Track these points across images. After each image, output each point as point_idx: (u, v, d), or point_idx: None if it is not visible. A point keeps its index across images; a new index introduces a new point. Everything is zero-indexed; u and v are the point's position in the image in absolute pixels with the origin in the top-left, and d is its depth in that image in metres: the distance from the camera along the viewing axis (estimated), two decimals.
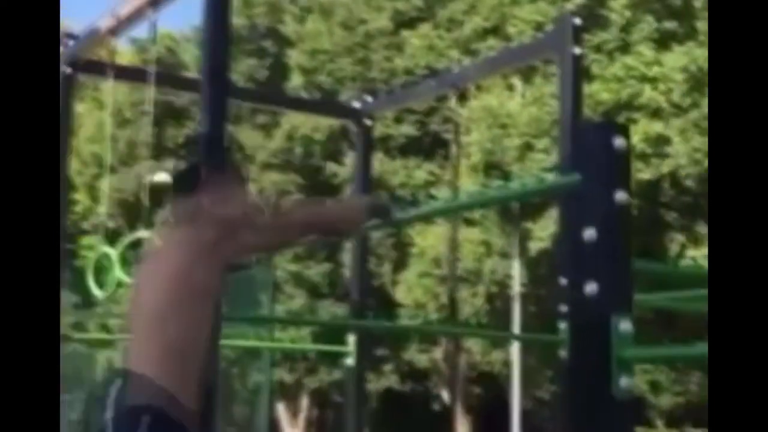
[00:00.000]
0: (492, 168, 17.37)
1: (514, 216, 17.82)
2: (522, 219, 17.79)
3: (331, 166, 21.87)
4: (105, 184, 19.05)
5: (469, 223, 18.22)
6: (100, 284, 6.53)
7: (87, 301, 18.26)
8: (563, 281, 5.58)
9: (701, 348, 2.13)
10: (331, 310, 21.01)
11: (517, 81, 18.34)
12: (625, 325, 2.47)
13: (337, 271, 21.12)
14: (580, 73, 5.77)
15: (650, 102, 15.39)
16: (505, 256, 18.54)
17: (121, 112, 22.35)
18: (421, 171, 20.61)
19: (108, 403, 2.78)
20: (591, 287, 2.49)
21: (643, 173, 14.49)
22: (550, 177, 5.37)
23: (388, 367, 21.58)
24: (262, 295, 17.36)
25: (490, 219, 18.42)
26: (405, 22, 21.50)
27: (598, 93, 15.17)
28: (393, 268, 20.39)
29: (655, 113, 15.23)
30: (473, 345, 19.97)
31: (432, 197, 18.49)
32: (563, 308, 5.51)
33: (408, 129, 20.84)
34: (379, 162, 18.79)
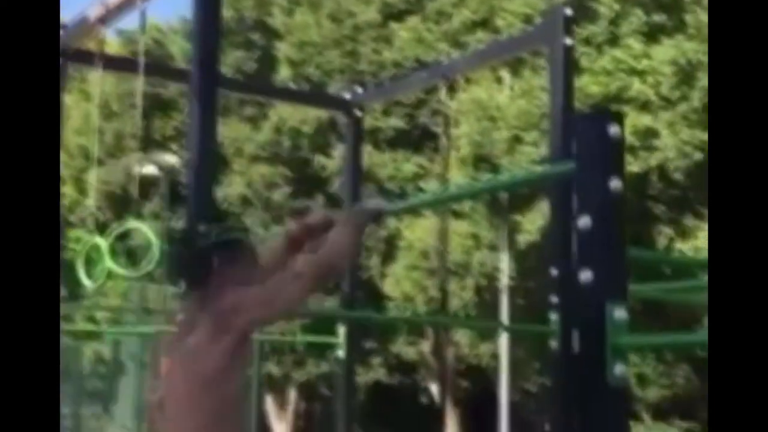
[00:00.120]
0: (481, 161, 17.37)
1: (503, 208, 17.83)
2: (511, 212, 17.80)
3: (319, 159, 21.82)
4: (93, 177, 19.00)
5: (458, 215, 18.22)
6: (89, 275, 6.50)
7: (73, 294, 18.21)
8: (554, 272, 5.61)
9: (695, 335, 2.14)
10: (320, 302, 20.99)
11: (505, 74, 18.33)
12: (620, 313, 2.47)
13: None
14: (571, 64, 5.78)
15: (639, 95, 15.40)
16: (493, 248, 18.55)
17: (107, 104, 22.25)
18: (409, 164, 20.59)
19: None
20: (586, 275, 2.48)
21: (631, 166, 14.50)
22: (545, 167, 5.36)
23: (376, 360, 21.58)
24: None
25: (478, 212, 18.42)
26: (393, 14, 21.45)
27: (587, 86, 15.17)
28: (381, 261, 20.39)
29: (644, 106, 15.25)
30: (461, 337, 19.99)
31: (421, 190, 18.48)
32: (554, 299, 5.56)
33: (396, 122, 20.82)
34: (367, 155, 18.76)
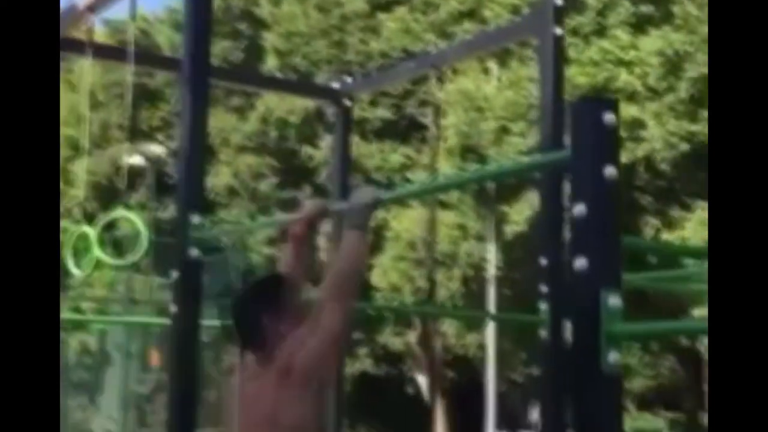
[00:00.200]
0: (468, 151, 17.38)
1: (490, 199, 17.86)
2: (498, 202, 17.83)
3: (306, 150, 21.79)
4: (82, 167, 18.92)
5: (445, 206, 18.24)
6: (77, 265, 6.48)
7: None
8: (543, 261, 5.61)
9: (691, 323, 2.15)
10: (306, 293, 20.95)
11: (493, 65, 18.34)
12: (615, 301, 2.47)
13: (312, 254, 21.07)
14: (561, 54, 5.78)
15: (626, 86, 15.42)
16: (480, 239, 18.58)
17: (93, 94, 22.15)
18: (396, 154, 20.58)
19: None
20: (581, 263, 2.48)
21: None
22: (540, 155, 5.34)
23: (362, 351, 21.59)
24: (236, 278, 17.32)
25: (466, 203, 18.44)
26: (381, 4, 21.42)
27: (575, 77, 15.18)
28: (368, 252, 20.36)
29: (631, 97, 15.27)
30: (448, 328, 20.02)
31: (408, 181, 18.47)
32: (544, 288, 5.56)
33: (383, 112, 20.80)
34: (354, 145, 18.69)
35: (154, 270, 16.83)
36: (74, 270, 6.39)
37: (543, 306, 5.54)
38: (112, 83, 23.28)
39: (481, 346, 19.61)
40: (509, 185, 17.00)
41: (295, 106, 21.18)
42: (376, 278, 19.61)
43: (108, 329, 16.61)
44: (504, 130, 17.02)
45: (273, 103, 21.55)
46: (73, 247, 6.47)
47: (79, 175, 20.48)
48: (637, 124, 15.22)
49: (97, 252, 6.13)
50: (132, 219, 6.63)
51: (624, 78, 15.63)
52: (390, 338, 21.30)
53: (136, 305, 17.12)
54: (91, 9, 5.92)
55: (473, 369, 21.88)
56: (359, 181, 17.76)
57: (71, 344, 18.84)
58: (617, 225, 2.55)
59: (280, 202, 21.49)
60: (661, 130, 15.34)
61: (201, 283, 4.60)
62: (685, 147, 15.32)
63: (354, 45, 21.19)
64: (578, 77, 15.23)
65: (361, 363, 21.68)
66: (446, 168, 16.84)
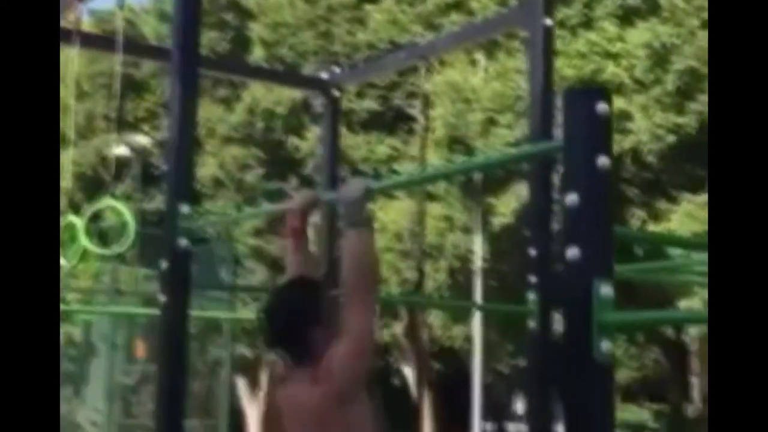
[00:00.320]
0: (455, 143, 17.38)
1: (477, 191, 17.87)
2: (484, 194, 17.84)
3: (293, 141, 21.75)
4: (67, 158, 18.83)
5: (432, 198, 18.24)
6: (64, 255, 6.45)
7: None
8: (533, 252, 5.62)
9: (684, 312, 2.15)
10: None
11: (480, 56, 18.34)
12: (607, 290, 2.47)
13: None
14: (550, 45, 5.79)
15: (613, 78, 15.44)
16: (467, 230, 18.60)
17: (79, 84, 22.04)
18: (383, 146, 20.57)
19: None
20: (573, 252, 2.48)
21: None
22: (533, 145, 5.35)
23: None
24: (223, 269, 17.30)
25: (452, 194, 18.45)
26: None
27: (562, 69, 15.18)
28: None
29: (618, 89, 15.28)
30: (434, 320, 20.05)
31: (394, 172, 18.46)
32: (532, 279, 5.58)
33: (370, 104, 20.79)
34: (341, 137, 18.72)
35: (139, 261, 16.79)
36: (61, 260, 6.36)
37: (531, 296, 5.56)
38: (97, 73, 23.19)
39: (468, 338, 19.64)
40: (496, 177, 17.01)
41: (281, 97, 21.14)
42: None
43: (93, 320, 16.56)
44: (491, 122, 17.02)
45: (259, 94, 21.49)
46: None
47: (64, 166, 20.39)
48: (624, 116, 15.24)
49: (85, 242, 6.10)
50: (120, 209, 6.61)
51: (611, 70, 15.66)
52: (376, 330, 21.29)
53: (122, 296, 17.07)
54: None
55: (459, 361, 21.93)
56: (346, 172, 17.74)
57: None
58: (609, 215, 2.55)
59: (266, 193, 21.45)
60: (648, 122, 15.38)
61: (190, 273, 4.59)
62: (671, 139, 15.36)
63: (341, 36, 21.15)
64: (565, 69, 15.23)
65: None
66: (433, 159, 16.84)
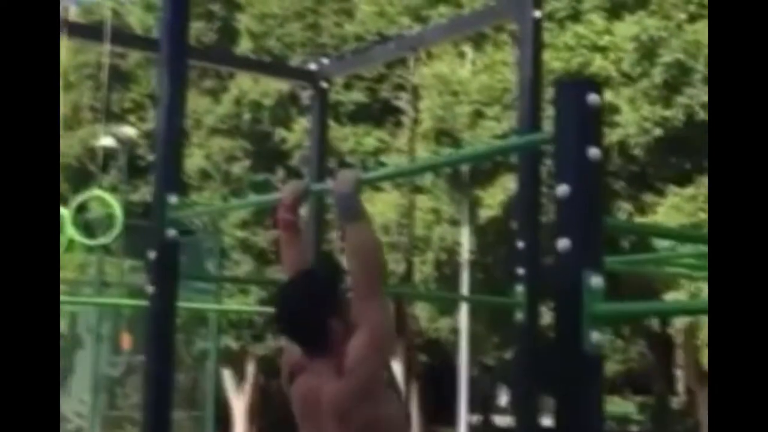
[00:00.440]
0: (443, 135, 17.38)
1: (464, 183, 17.89)
2: (471, 186, 17.86)
3: (279, 132, 21.72)
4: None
5: (419, 190, 18.25)
6: None
7: None
8: (520, 243, 5.63)
9: (669, 304, 2.16)
10: (278, 276, 20.93)
11: (468, 48, 18.34)
12: (597, 281, 2.47)
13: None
14: (540, 37, 5.79)
15: (600, 71, 15.47)
16: (454, 223, 18.62)
17: (65, 75, 21.94)
18: (370, 138, 20.57)
19: None
20: (564, 243, 2.48)
21: None
22: (524, 136, 5.35)
23: None
24: (209, 261, 17.27)
25: (439, 186, 18.47)
26: None
27: (549, 62, 15.20)
28: (341, 235, 20.35)
29: (605, 82, 15.31)
30: (420, 312, 20.07)
31: (382, 164, 18.45)
32: (520, 271, 5.58)
33: (358, 95, 20.77)
34: (328, 128, 18.70)
35: (125, 252, 16.75)
36: None
37: (519, 288, 5.56)
38: (82, 64, 23.10)
39: (454, 330, 19.67)
40: (483, 169, 17.03)
41: (268, 88, 21.10)
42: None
43: (79, 312, 16.51)
44: (479, 114, 17.03)
45: (246, 85, 21.45)
46: None
47: None
48: (611, 109, 15.27)
49: (72, 233, 6.08)
50: (108, 200, 6.59)
51: (598, 63, 15.68)
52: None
53: (108, 288, 17.03)
54: None
55: (445, 352, 21.97)
56: (333, 164, 17.72)
57: None
58: (600, 206, 2.56)
59: (253, 184, 21.42)
60: (635, 115, 15.41)
61: (178, 263, 4.58)
62: (658, 132, 15.40)
63: (328, 28, 21.12)
64: (553, 62, 15.25)
65: None
66: (421, 152, 16.84)
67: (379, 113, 20.94)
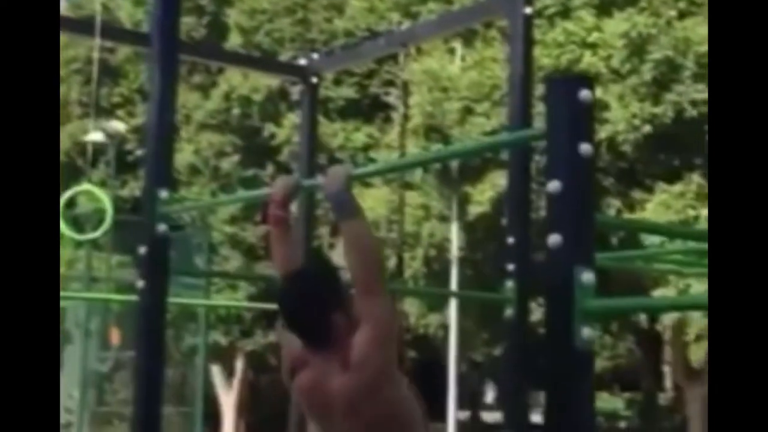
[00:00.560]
0: (432, 131, 17.39)
1: (454, 180, 17.90)
2: (461, 183, 17.87)
3: (269, 128, 21.69)
4: None
5: (408, 186, 18.26)
6: None
7: None
8: (510, 240, 5.64)
9: (660, 300, 2.16)
10: (267, 272, 20.91)
11: (457, 45, 18.35)
12: (588, 277, 2.47)
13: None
14: (530, 33, 5.81)
15: (590, 67, 15.50)
16: (443, 219, 18.63)
17: None
18: (360, 134, 20.56)
19: None
20: (555, 239, 2.48)
21: None
22: (515, 132, 5.36)
23: None
24: (198, 256, 17.25)
25: (429, 183, 18.47)
26: None
27: (539, 58, 15.22)
28: (330, 231, 20.36)
29: (595, 79, 15.34)
30: (410, 308, 20.08)
31: (371, 160, 18.45)
32: (510, 267, 5.59)
33: (347, 91, 20.76)
34: (318, 124, 18.68)
35: (114, 247, 16.72)
36: None
37: (509, 284, 5.57)
38: (71, 59, 23.01)
39: (443, 326, 19.69)
40: (473, 166, 17.05)
41: (258, 84, 21.07)
42: (339, 257, 19.57)
43: (67, 307, 16.47)
44: (468, 111, 17.04)
45: (236, 80, 21.40)
46: None
47: None
48: (601, 105, 15.31)
49: (61, 227, 6.07)
50: (98, 195, 6.57)
51: (588, 60, 15.71)
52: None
53: (96, 283, 17.00)
54: None
55: (435, 349, 21.99)
56: (323, 160, 17.71)
57: None
58: (592, 202, 2.56)
59: (242, 180, 21.39)
60: (624, 112, 15.45)
61: (168, 258, 4.58)
62: (647, 129, 15.43)
63: (318, 23, 21.09)
64: (542, 59, 15.27)
65: None
66: (410, 148, 16.85)
67: (369, 109, 20.94)
